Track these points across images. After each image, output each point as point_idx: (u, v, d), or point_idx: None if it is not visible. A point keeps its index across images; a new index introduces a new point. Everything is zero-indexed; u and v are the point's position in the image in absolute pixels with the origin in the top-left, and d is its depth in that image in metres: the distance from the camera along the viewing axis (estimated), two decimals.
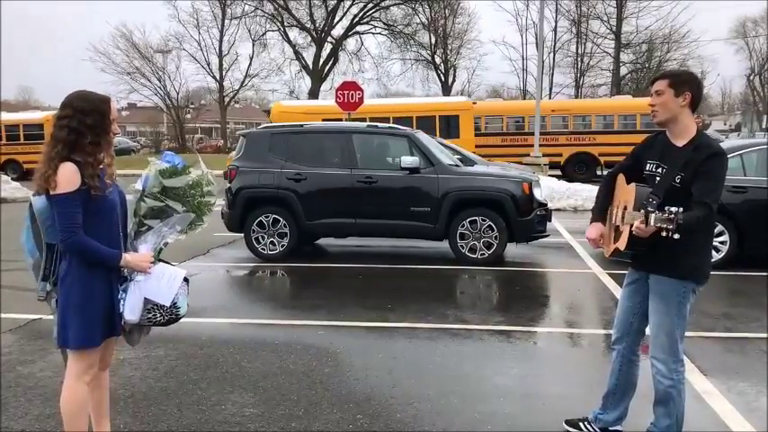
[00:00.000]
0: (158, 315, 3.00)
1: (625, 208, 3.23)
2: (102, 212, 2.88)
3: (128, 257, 2.93)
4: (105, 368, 3.23)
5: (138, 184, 3.12)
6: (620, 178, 3.45)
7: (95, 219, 2.85)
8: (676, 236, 2.81)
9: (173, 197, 3.07)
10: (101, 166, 2.88)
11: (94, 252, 2.83)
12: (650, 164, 3.32)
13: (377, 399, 4.23)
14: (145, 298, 2.96)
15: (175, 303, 3.01)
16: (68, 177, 2.77)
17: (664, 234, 2.83)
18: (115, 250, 2.91)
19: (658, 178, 3.23)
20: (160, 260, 3.08)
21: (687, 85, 3.20)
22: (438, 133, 18.67)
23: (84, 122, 2.82)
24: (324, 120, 19.73)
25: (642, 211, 2.95)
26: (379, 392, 4.33)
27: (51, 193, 2.78)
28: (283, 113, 20.19)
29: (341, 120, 19.27)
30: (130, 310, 2.95)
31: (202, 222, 3.21)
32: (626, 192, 3.29)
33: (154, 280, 2.97)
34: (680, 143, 3.22)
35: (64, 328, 2.90)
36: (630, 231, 3.04)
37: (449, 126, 20.66)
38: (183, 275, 3.08)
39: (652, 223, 2.85)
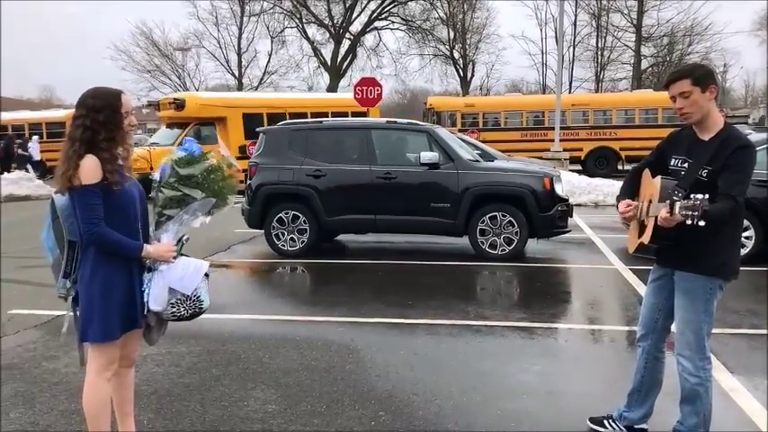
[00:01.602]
0: (182, 309, 3.02)
1: (650, 202, 3.18)
2: (122, 206, 2.90)
3: (150, 248, 2.95)
4: (130, 366, 3.24)
5: (155, 175, 3.14)
6: (646, 173, 3.38)
7: (115, 212, 2.87)
8: (701, 223, 2.73)
9: (190, 185, 3.07)
10: (118, 161, 2.90)
11: (116, 243, 2.86)
12: (676, 159, 3.27)
13: (398, 396, 4.22)
14: (170, 289, 2.97)
15: (198, 297, 3.03)
16: (90, 170, 2.79)
17: (689, 222, 2.76)
18: (137, 241, 2.93)
19: (684, 173, 3.17)
20: (182, 254, 3.09)
21: (709, 77, 3.13)
22: None
23: (97, 119, 2.84)
24: (244, 114, 19.90)
25: (667, 201, 2.89)
26: (401, 389, 4.32)
27: (73, 185, 2.80)
28: (202, 106, 19.74)
29: (261, 114, 19.70)
30: (155, 299, 2.97)
31: (226, 204, 3.21)
32: (651, 185, 3.23)
33: (179, 270, 2.99)
34: (707, 137, 3.16)
35: (84, 323, 2.92)
36: (655, 224, 2.99)
37: None
38: (206, 267, 3.09)
39: (677, 212, 2.79)
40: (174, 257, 3.00)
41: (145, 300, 2.98)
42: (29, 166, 23.88)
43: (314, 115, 18.75)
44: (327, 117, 19.33)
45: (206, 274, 3.12)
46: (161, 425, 3.83)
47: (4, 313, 6.23)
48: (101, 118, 2.84)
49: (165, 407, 4.07)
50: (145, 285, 2.99)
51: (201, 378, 4.55)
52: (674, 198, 2.84)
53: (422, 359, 4.94)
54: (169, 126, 20.24)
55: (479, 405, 4.08)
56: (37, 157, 25.37)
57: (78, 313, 2.97)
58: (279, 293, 7.61)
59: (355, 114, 19.83)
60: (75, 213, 2.84)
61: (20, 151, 25.16)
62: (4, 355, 5.06)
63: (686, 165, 3.18)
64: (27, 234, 11.42)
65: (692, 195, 2.77)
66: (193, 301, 3.01)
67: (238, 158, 16.53)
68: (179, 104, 19.34)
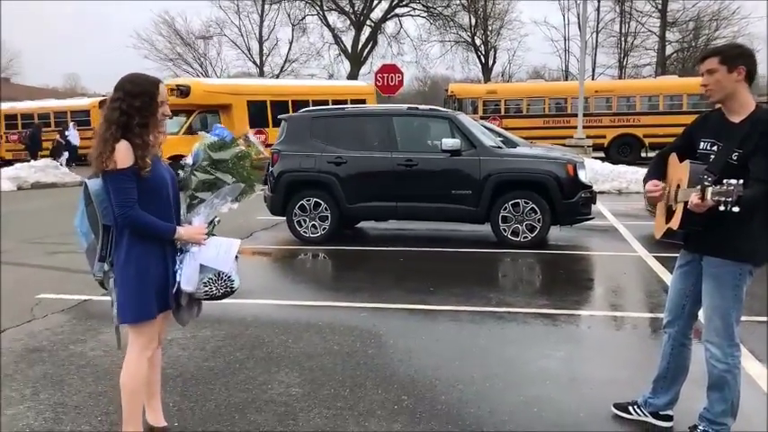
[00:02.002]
0: (214, 288, 3.08)
1: (678, 186, 3.13)
2: (153, 190, 2.96)
3: (181, 230, 3.01)
4: (158, 346, 3.30)
5: (188, 159, 3.20)
6: (673, 157, 3.33)
7: (147, 196, 2.93)
8: (736, 209, 2.69)
9: (222, 169, 3.14)
10: (150, 147, 2.94)
11: (150, 225, 2.92)
12: (704, 142, 3.20)
13: (421, 381, 4.22)
14: (201, 266, 3.03)
15: (229, 276, 3.09)
16: (123, 155, 2.85)
17: (722, 208, 2.70)
18: (169, 224, 3.00)
19: (713, 156, 3.11)
20: (213, 235, 3.15)
21: (740, 58, 3.06)
22: None
23: (133, 105, 2.90)
24: (248, 101, 19.33)
25: (698, 186, 2.84)
26: (423, 375, 4.33)
27: (106, 170, 2.86)
28: (208, 93, 19.33)
29: (265, 101, 19.39)
30: (187, 280, 3.03)
31: (254, 191, 3.27)
32: (679, 169, 3.18)
33: (212, 249, 3.06)
34: (737, 119, 3.09)
35: (122, 305, 2.98)
36: (685, 209, 2.94)
37: None
38: (238, 244, 3.15)
39: (709, 197, 2.73)
40: (205, 239, 3.06)
41: (177, 280, 3.05)
42: (64, 154, 24.14)
43: (315, 102, 18.71)
44: (328, 104, 19.23)
45: (235, 257, 3.17)
46: (187, 407, 3.88)
47: (32, 297, 6.34)
48: (137, 103, 2.90)
49: (191, 390, 4.12)
50: (177, 266, 3.05)
51: (226, 361, 4.60)
52: (705, 183, 2.79)
53: (444, 345, 4.94)
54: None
55: (502, 391, 4.08)
56: (77, 142, 25.52)
57: (115, 296, 3.03)
58: (301, 279, 7.64)
59: (354, 102, 19.91)
60: (109, 197, 2.91)
61: (58, 138, 25.32)
62: (32, 339, 5.15)
63: (715, 148, 3.12)
64: (53, 221, 11.60)
65: (724, 180, 2.72)
66: (225, 280, 3.07)
67: None
68: (184, 91, 18.58)
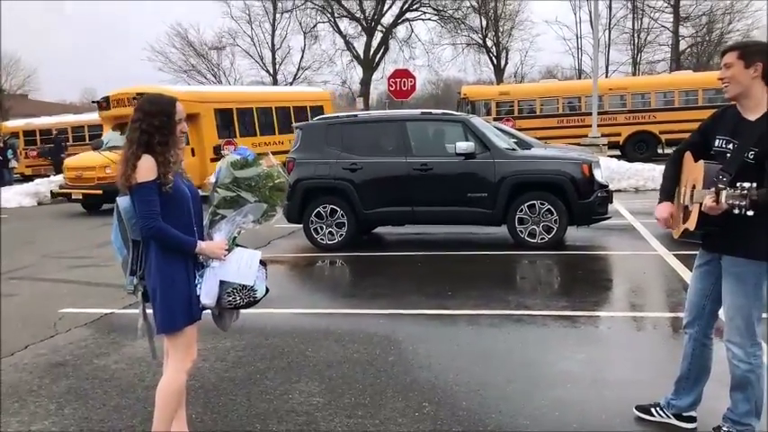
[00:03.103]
0: (237, 298, 3.13)
1: (693, 187, 3.12)
2: (175, 205, 3.04)
3: (203, 245, 3.08)
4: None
5: (212, 177, 3.28)
6: (688, 156, 3.31)
7: (170, 210, 3.01)
8: (750, 212, 2.69)
9: (244, 188, 3.20)
10: (171, 164, 3.02)
11: (173, 238, 3.00)
12: (720, 139, 3.18)
13: (442, 386, 4.22)
14: (222, 281, 3.09)
15: (252, 287, 3.13)
16: (147, 168, 2.95)
17: (736, 212, 2.71)
18: (191, 238, 3.07)
19: (729, 154, 3.09)
20: (237, 245, 3.20)
21: (758, 55, 3.04)
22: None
23: (153, 124, 3.00)
24: (216, 109, 17.16)
25: (712, 188, 2.83)
26: (444, 380, 4.33)
27: (131, 184, 2.96)
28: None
29: (231, 109, 17.66)
30: (206, 294, 3.09)
31: (276, 213, 3.33)
32: (694, 170, 3.17)
33: (233, 263, 3.11)
34: (753, 117, 3.07)
35: (156, 317, 3.08)
36: (700, 210, 2.93)
37: (313, 117, 19.22)
38: (259, 256, 3.20)
39: (723, 200, 2.74)
40: (225, 255, 3.11)
41: (197, 293, 3.10)
42: None
43: (278, 109, 18.46)
44: (289, 110, 18.95)
45: (264, 264, 3.24)
46: (209, 418, 3.91)
47: (54, 312, 6.41)
48: (156, 122, 3.00)
49: (213, 401, 4.15)
50: (197, 280, 3.11)
51: (247, 372, 4.63)
52: (720, 186, 2.78)
53: (464, 350, 4.93)
54: (125, 127, 17.85)
55: (523, 394, 4.07)
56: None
57: (142, 308, 3.16)
58: (319, 287, 7.67)
59: (313, 108, 19.38)
60: (137, 213, 2.99)
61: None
62: (56, 353, 5.21)
63: (731, 146, 3.10)
64: (74, 234, 11.74)
65: (738, 184, 2.72)
66: (248, 290, 3.13)
67: (212, 161, 15.54)
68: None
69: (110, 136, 16.29)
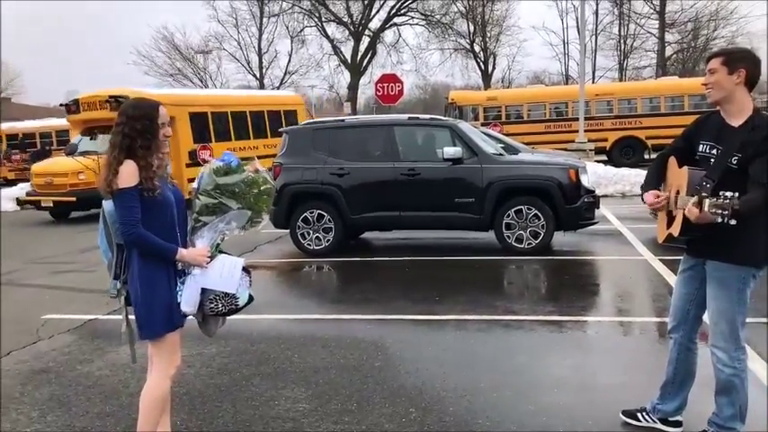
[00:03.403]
0: (219, 305, 3.10)
1: (678, 192, 3.13)
2: (157, 211, 3.01)
3: (184, 252, 3.04)
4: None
5: (194, 183, 3.25)
6: (672, 161, 3.33)
7: (152, 216, 2.98)
8: (732, 222, 2.71)
9: (227, 195, 3.16)
10: (153, 168, 2.99)
11: (153, 245, 2.97)
12: (704, 145, 3.20)
13: (429, 392, 4.21)
14: (204, 289, 3.06)
15: (233, 294, 3.10)
16: (128, 174, 2.92)
17: (719, 221, 2.72)
18: (172, 245, 3.03)
19: (713, 160, 3.11)
20: (221, 252, 3.17)
21: (742, 61, 3.08)
22: (269, 130, 18.07)
23: (135, 128, 2.98)
24: (190, 113, 16.45)
25: (696, 196, 2.85)
26: (431, 386, 4.31)
27: (113, 189, 2.92)
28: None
29: (206, 112, 16.87)
30: (186, 302, 3.06)
31: (261, 219, 3.29)
32: (678, 175, 3.18)
33: (215, 271, 3.08)
34: (736, 123, 3.09)
35: (137, 322, 3.05)
36: (684, 216, 2.95)
37: (287, 123, 18.09)
38: (242, 263, 3.17)
39: (706, 209, 2.75)
40: (208, 262, 3.07)
41: (178, 301, 3.07)
42: None
43: (252, 113, 18.14)
44: (263, 115, 18.59)
45: (247, 271, 3.21)
46: (194, 425, 3.87)
47: (37, 318, 6.34)
48: (138, 126, 2.98)
49: (198, 408, 4.12)
50: (178, 287, 3.08)
51: (232, 378, 4.60)
52: (703, 194, 2.79)
53: (451, 355, 4.93)
54: (96, 131, 15.25)
55: (511, 400, 4.06)
56: None
57: (125, 314, 3.14)
58: (306, 292, 7.64)
59: (287, 113, 19.17)
60: (117, 219, 2.97)
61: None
62: (39, 360, 5.15)
63: (715, 151, 3.12)
64: (57, 239, 11.64)
65: (721, 192, 2.73)
66: (230, 297, 3.10)
67: (188, 166, 15.09)
68: (123, 103, 16.02)
69: (77, 141, 15.66)
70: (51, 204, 14.74)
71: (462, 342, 5.25)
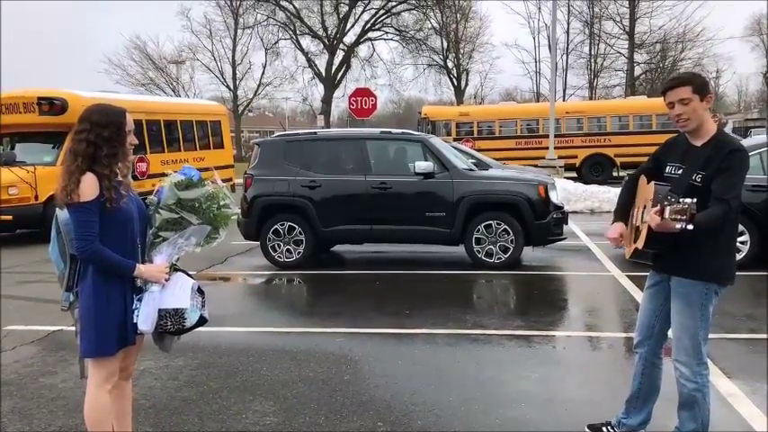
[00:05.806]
0: (168, 323, 3.00)
1: (644, 207, 3.20)
2: (118, 223, 2.92)
3: (142, 268, 2.95)
4: (128, 378, 3.24)
5: (153, 197, 3.13)
6: (642, 180, 3.41)
7: (111, 229, 2.88)
8: (690, 227, 2.75)
9: (188, 209, 3.06)
10: (117, 178, 2.92)
11: (109, 261, 2.87)
12: (671, 166, 3.30)
13: (397, 406, 4.21)
14: (159, 309, 2.96)
15: (182, 314, 3.00)
16: (88, 187, 2.82)
17: (678, 227, 2.77)
18: (130, 260, 2.94)
19: (677, 178, 3.20)
20: (177, 269, 3.08)
21: (707, 87, 3.18)
22: (197, 141, 16.92)
23: (101, 135, 2.88)
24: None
25: (659, 206, 2.91)
26: (400, 399, 4.31)
27: (70, 202, 2.82)
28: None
29: (141, 120, 14.44)
30: (144, 320, 2.96)
31: (219, 236, 3.19)
32: (646, 191, 3.25)
33: (169, 288, 2.99)
34: (699, 142, 3.19)
35: (82, 337, 2.94)
36: (649, 229, 3.01)
37: (212, 133, 17.73)
38: (190, 283, 3.07)
39: (667, 215, 2.79)
40: (167, 279, 2.99)
41: (134, 320, 2.97)
42: None
43: (182, 123, 16.69)
44: (192, 124, 17.06)
45: (201, 291, 3.11)
46: None
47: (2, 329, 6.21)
48: (105, 134, 2.88)
49: (164, 421, 4.06)
50: (135, 304, 2.98)
51: (199, 391, 4.54)
52: (665, 203, 2.85)
53: (420, 369, 4.93)
54: (16, 138, 13.34)
55: (478, 414, 4.08)
56: None
57: (79, 327, 2.98)
58: (276, 305, 7.59)
59: (212, 123, 17.94)
60: (74, 233, 2.86)
61: None
62: (1, 371, 5.03)
63: (681, 171, 3.21)
64: (22, 248, 11.41)
65: (680, 199, 2.79)
66: (179, 316, 2.99)
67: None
68: (58, 106, 12.81)
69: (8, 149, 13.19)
70: None
71: (431, 356, 5.26)
